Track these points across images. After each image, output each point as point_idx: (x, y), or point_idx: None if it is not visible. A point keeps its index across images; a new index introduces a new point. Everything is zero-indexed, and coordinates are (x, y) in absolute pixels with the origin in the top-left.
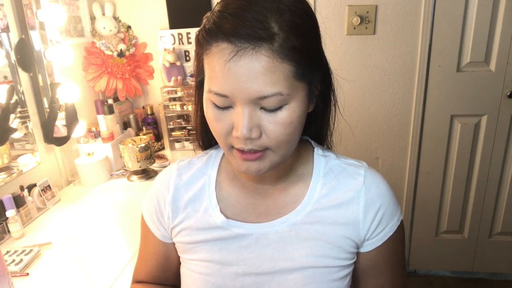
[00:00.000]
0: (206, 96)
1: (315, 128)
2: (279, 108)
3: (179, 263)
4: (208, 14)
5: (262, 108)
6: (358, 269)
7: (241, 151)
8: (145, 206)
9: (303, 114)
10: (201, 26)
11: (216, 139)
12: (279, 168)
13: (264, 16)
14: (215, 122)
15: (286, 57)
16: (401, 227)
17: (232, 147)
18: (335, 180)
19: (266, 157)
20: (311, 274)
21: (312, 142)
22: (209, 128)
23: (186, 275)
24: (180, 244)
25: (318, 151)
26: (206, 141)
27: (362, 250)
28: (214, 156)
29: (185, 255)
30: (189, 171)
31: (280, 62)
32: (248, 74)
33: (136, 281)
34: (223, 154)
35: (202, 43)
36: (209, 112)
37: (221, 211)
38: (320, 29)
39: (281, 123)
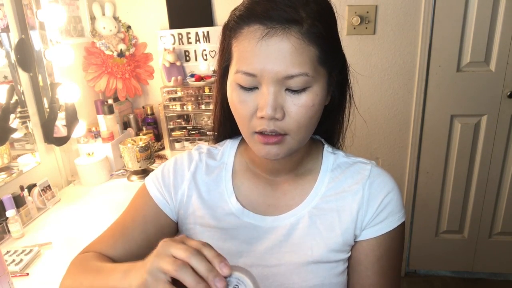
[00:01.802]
0: (232, 79)
1: (328, 125)
2: (303, 90)
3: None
4: (238, 6)
5: (287, 89)
6: (350, 264)
7: (262, 135)
8: (153, 175)
9: (323, 101)
10: (230, 16)
11: (239, 124)
12: (291, 161)
13: (293, 3)
14: (239, 104)
15: (313, 41)
16: (401, 228)
17: (254, 132)
18: (342, 175)
19: (285, 143)
20: (315, 269)
21: (323, 140)
22: (227, 120)
23: None
24: (193, 225)
25: (327, 149)
26: (222, 134)
27: (357, 239)
28: (230, 145)
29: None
30: (209, 157)
31: (307, 44)
32: (277, 53)
33: (90, 251)
34: (238, 144)
35: (233, 28)
36: (234, 95)
37: (237, 199)
38: None
39: (304, 105)
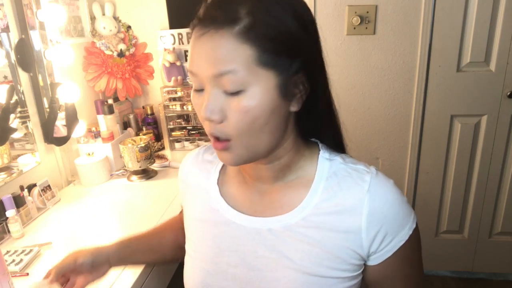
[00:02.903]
0: None
1: (315, 128)
2: (237, 93)
3: None
4: None
5: (224, 91)
6: (369, 280)
7: (213, 140)
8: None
9: (269, 106)
10: None
11: None
12: (273, 168)
13: (235, 2)
14: (195, 107)
15: (248, 41)
16: (414, 235)
17: (210, 135)
18: (337, 185)
19: (231, 149)
20: (305, 280)
21: (320, 145)
22: None
23: (186, 261)
24: (185, 219)
25: (324, 154)
26: None
27: (370, 263)
28: None
29: (186, 232)
30: (206, 154)
31: (240, 43)
32: (206, 52)
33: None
34: None
35: (191, 30)
36: (192, 97)
37: (221, 195)
38: (320, 29)
39: (239, 110)
